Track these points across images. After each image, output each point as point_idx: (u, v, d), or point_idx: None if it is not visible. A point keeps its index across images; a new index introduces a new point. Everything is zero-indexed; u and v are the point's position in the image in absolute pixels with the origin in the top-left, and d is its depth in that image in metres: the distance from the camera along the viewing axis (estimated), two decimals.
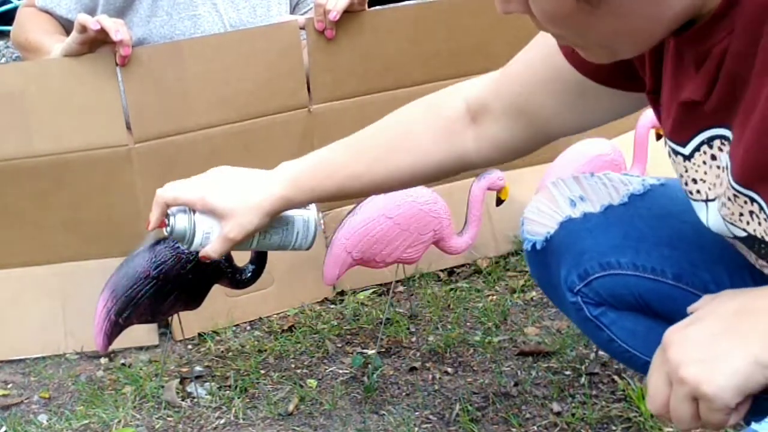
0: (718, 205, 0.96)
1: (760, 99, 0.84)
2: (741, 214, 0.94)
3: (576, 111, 1.13)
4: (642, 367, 1.19)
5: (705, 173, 0.97)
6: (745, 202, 0.92)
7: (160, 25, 2.02)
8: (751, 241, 0.96)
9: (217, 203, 1.22)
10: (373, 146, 1.26)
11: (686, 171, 0.99)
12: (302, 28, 1.91)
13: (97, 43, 1.76)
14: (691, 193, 1.01)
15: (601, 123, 1.15)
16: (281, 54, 1.90)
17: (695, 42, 0.91)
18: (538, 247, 1.18)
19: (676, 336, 0.87)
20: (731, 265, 1.09)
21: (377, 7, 1.98)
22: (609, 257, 1.13)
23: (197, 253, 1.64)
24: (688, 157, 0.98)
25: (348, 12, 1.89)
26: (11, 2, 4.10)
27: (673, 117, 0.97)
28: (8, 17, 3.80)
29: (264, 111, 1.92)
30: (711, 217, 0.99)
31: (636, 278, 1.12)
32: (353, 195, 1.30)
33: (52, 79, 1.78)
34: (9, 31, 2.43)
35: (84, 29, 1.73)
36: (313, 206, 1.31)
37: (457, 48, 2.03)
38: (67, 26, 2.01)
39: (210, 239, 1.24)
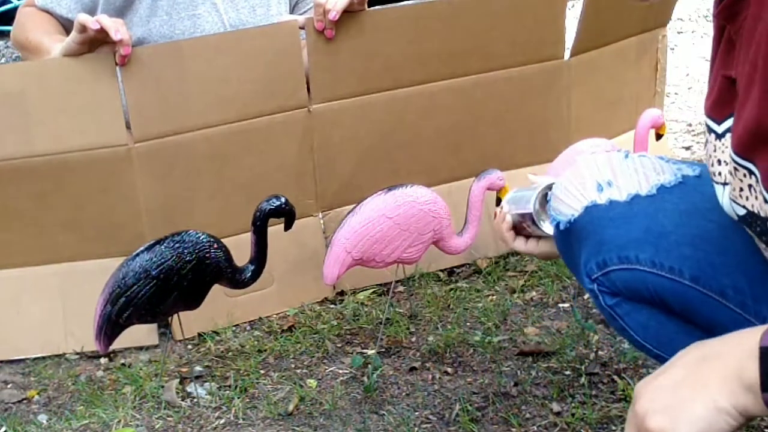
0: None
1: (757, 70, 0.86)
2: (741, 189, 0.96)
3: None
4: (655, 358, 1.20)
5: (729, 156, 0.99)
6: (744, 176, 0.94)
7: (160, 25, 2.02)
8: (750, 218, 0.97)
9: None
10: None
11: (714, 150, 1.01)
12: (302, 28, 1.91)
13: (96, 42, 1.76)
14: (714, 174, 1.03)
15: None
16: (281, 54, 1.90)
17: (728, 18, 0.93)
18: (562, 227, 1.19)
19: (643, 388, 0.87)
20: (754, 271, 1.09)
21: (377, 7, 1.98)
22: (628, 251, 1.12)
23: (197, 252, 1.65)
24: (720, 136, 1.00)
25: (348, 12, 1.88)
26: (11, 2, 4.10)
27: (716, 91, 0.99)
28: (8, 17, 3.81)
29: (264, 111, 1.92)
30: (725, 199, 1.01)
31: (653, 275, 1.11)
32: None
33: (51, 79, 1.78)
34: (9, 31, 2.44)
35: (84, 29, 1.73)
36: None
37: (457, 48, 2.03)
38: (67, 26, 2.01)
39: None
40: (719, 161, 1.00)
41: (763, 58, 0.87)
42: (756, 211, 0.95)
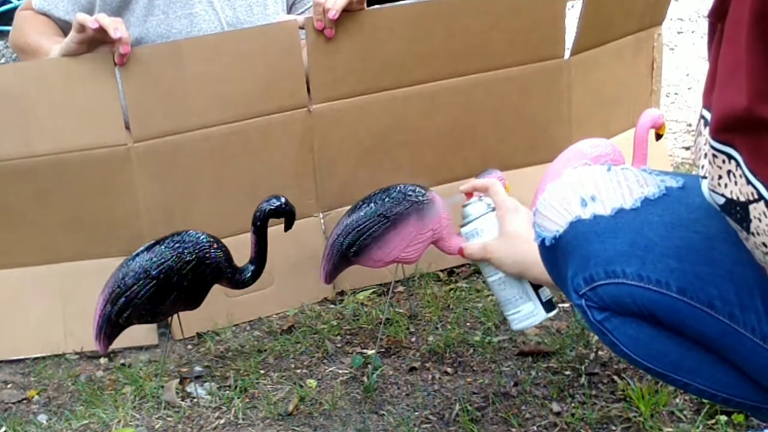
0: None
1: (741, 59, 0.89)
2: (720, 177, 0.96)
3: None
4: (646, 371, 1.19)
5: None
6: (723, 162, 0.94)
7: (157, 25, 2.02)
8: (729, 206, 0.97)
9: (505, 222, 1.44)
10: None
11: (704, 144, 1.02)
12: (301, 28, 1.91)
13: (95, 42, 1.76)
14: (699, 168, 1.03)
15: None
16: (280, 54, 1.89)
17: (719, 18, 0.94)
18: (547, 244, 1.19)
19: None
20: (741, 281, 1.09)
21: (377, 7, 1.98)
22: (614, 265, 1.12)
23: (197, 252, 1.65)
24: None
25: (347, 11, 1.88)
26: (11, 2, 4.11)
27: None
28: (8, 17, 3.81)
29: (263, 111, 1.92)
30: (705, 191, 1.02)
31: (640, 289, 1.11)
32: None
33: (51, 79, 1.78)
34: (9, 31, 2.44)
35: (82, 28, 1.73)
36: (552, 313, 1.48)
37: (457, 48, 2.03)
38: (64, 28, 2.01)
39: (474, 238, 1.46)
40: (705, 155, 1.01)
41: (745, 46, 0.88)
42: (735, 198, 0.96)
